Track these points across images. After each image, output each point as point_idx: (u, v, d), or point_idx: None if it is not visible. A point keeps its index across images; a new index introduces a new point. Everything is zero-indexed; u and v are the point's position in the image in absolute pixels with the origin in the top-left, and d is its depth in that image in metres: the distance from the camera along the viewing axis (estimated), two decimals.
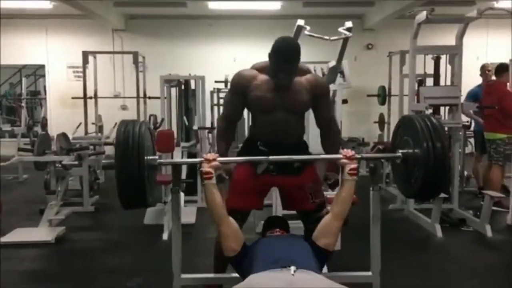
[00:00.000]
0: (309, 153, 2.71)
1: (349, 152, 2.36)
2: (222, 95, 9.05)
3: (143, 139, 2.12)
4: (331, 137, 2.66)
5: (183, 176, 5.43)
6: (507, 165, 5.63)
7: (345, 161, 2.33)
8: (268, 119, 2.52)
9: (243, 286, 1.88)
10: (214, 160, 2.30)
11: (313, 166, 2.68)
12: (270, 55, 2.44)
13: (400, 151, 2.35)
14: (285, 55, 2.39)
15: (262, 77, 2.49)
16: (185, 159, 2.38)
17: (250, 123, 2.74)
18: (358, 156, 2.35)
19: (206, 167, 2.28)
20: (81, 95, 7.79)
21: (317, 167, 2.70)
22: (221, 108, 9.31)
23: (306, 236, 2.53)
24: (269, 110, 2.50)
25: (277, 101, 2.48)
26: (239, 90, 2.53)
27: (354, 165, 2.30)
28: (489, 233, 4.45)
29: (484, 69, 6.06)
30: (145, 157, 2.13)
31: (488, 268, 3.83)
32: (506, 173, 5.93)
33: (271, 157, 2.40)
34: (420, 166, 2.18)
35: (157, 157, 2.32)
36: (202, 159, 2.32)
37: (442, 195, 4.59)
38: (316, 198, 2.60)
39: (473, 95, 6.01)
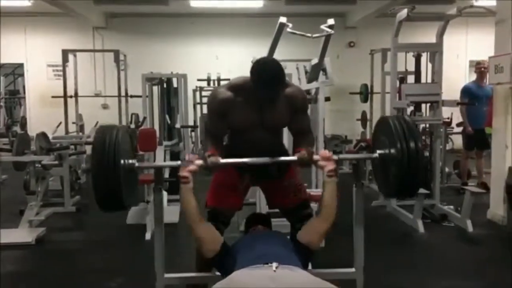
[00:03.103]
0: (287, 154, 2.69)
1: (327, 153, 2.34)
2: (204, 93, 9.03)
3: (120, 143, 2.13)
4: (303, 144, 2.50)
5: (166, 175, 5.39)
6: (485, 161, 5.69)
7: (323, 163, 2.32)
8: (246, 138, 2.50)
9: (225, 283, 1.87)
10: (192, 163, 2.27)
11: (293, 167, 2.65)
12: (252, 79, 2.31)
13: (378, 151, 2.36)
14: (270, 83, 2.28)
15: (240, 99, 2.40)
16: (164, 163, 2.45)
17: (229, 134, 2.67)
18: (335, 157, 2.33)
19: (183, 171, 2.25)
20: (61, 94, 7.68)
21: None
22: (204, 107, 9.28)
23: (292, 236, 2.53)
24: (248, 130, 2.47)
25: (256, 121, 2.43)
26: (219, 113, 2.46)
27: (331, 167, 2.30)
28: (470, 228, 4.52)
29: (479, 66, 6.07)
30: (122, 161, 2.14)
31: (469, 262, 3.88)
32: (484, 169, 6.03)
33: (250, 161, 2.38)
34: (396, 165, 2.20)
35: (135, 161, 2.30)
36: (180, 162, 2.28)
37: (424, 191, 4.66)
38: (298, 193, 2.60)
39: (466, 91, 6.08)
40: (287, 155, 2.66)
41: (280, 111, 2.43)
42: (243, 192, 2.68)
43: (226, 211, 2.59)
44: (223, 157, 2.42)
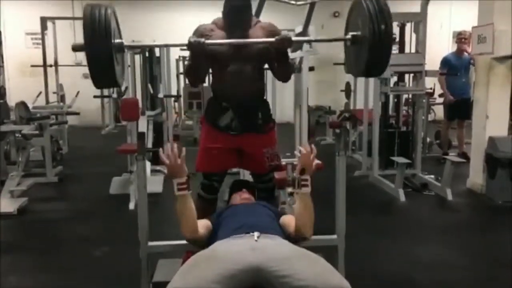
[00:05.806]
0: (270, 113, 2.75)
1: (309, 151, 2.19)
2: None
3: (110, 22, 2.21)
4: (285, 66, 2.69)
5: (149, 145, 5.37)
6: (465, 131, 5.74)
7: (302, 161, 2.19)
8: (225, 72, 2.56)
9: (207, 253, 1.87)
10: (177, 156, 2.09)
11: (274, 129, 2.74)
12: (223, 15, 2.55)
13: (351, 33, 2.37)
14: (237, 9, 2.49)
15: (219, 31, 2.56)
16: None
17: (211, 82, 2.78)
18: (317, 161, 2.23)
19: (181, 179, 2.09)
20: (41, 63, 7.51)
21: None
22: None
23: (258, 196, 2.66)
24: (225, 62, 2.54)
25: (232, 53, 2.51)
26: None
27: (305, 177, 2.18)
28: (449, 196, 4.61)
29: (460, 37, 6.08)
30: (113, 41, 2.21)
31: (448, 228, 3.98)
32: (465, 139, 6.12)
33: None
34: (366, 46, 2.22)
35: (123, 40, 2.43)
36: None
37: (405, 161, 4.72)
38: (271, 162, 2.70)
39: (446, 62, 6.10)
40: (267, 105, 2.74)
41: (255, 42, 2.53)
42: (229, 153, 2.66)
43: (218, 173, 2.70)
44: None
